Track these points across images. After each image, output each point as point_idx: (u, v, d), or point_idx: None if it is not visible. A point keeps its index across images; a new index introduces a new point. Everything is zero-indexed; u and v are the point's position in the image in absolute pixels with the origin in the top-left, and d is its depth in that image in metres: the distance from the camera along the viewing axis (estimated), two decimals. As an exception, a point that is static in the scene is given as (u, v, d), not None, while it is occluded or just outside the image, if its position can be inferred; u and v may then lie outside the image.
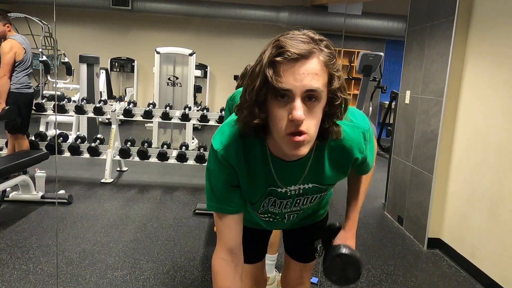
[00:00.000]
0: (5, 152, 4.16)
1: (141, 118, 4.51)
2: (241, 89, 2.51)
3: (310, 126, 0.86)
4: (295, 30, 0.89)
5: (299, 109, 0.83)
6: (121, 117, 4.49)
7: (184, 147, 4.40)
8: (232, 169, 1.02)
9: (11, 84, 3.68)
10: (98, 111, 4.43)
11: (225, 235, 1.08)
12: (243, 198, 1.10)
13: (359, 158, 1.07)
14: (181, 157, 4.30)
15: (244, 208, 1.12)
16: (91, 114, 4.50)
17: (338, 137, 0.97)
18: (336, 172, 1.09)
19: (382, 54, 6.35)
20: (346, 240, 1.30)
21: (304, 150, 0.89)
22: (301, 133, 0.85)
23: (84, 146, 4.35)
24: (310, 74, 0.83)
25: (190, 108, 4.75)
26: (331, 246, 1.31)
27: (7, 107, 3.58)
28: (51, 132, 6.09)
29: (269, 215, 1.23)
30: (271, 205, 1.16)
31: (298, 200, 1.16)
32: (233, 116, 1.06)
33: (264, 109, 0.89)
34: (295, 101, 0.83)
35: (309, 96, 0.84)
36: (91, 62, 5.84)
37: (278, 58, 0.83)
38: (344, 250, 1.27)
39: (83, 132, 5.62)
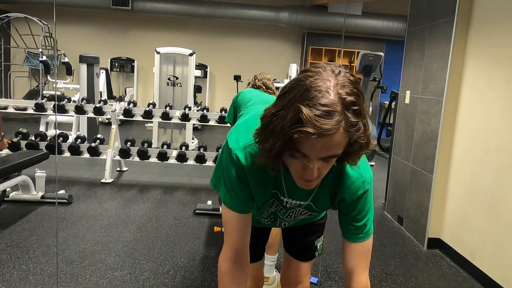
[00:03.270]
0: (5, 152, 4.16)
1: (141, 118, 4.51)
2: (248, 89, 2.54)
3: (322, 173, 0.89)
4: (324, 73, 0.80)
5: (313, 173, 0.85)
6: (121, 117, 4.49)
7: (184, 147, 4.40)
8: (243, 170, 1.03)
9: None
10: (98, 111, 4.43)
11: (233, 235, 1.08)
12: (252, 200, 1.10)
13: (345, 199, 1.06)
14: (181, 157, 4.30)
15: (253, 208, 1.12)
16: (91, 114, 4.50)
17: (355, 165, 0.95)
18: (328, 199, 1.10)
19: (382, 54, 6.34)
20: None
21: (313, 186, 0.93)
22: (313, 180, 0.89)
23: (84, 146, 4.35)
24: (329, 147, 0.80)
25: (190, 108, 4.75)
26: None
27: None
28: (51, 132, 6.09)
29: (268, 218, 1.25)
30: (270, 206, 1.17)
31: (291, 212, 1.18)
32: (252, 117, 1.07)
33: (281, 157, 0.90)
34: (310, 164, 0.84)
35: (325, 159, 0.85)
36: (91, 62, 5.84)
37: (296, 136, 0.77)
38: None
39: (83, 132, 5.62)
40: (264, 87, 2.51)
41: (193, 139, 6.42)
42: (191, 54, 6.02)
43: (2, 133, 3.17)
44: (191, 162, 4.35)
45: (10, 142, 3.17)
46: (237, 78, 8.09)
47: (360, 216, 1.08)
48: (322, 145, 0.79)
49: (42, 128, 6.21)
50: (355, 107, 0.77)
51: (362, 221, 1.09)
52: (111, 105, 4.57)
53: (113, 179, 4.43)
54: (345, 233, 1.12)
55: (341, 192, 1.05)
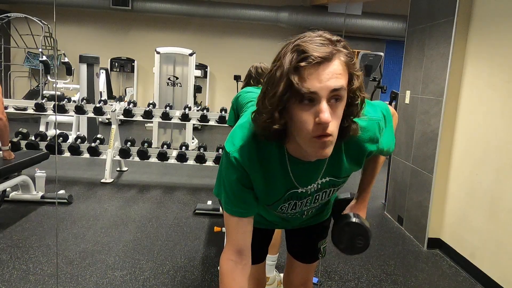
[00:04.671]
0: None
1: (141, 118, 4.51)
2: (246, 88, 2.55)
3: (334, 127, 0.87)
4: (309, 32, 0.89)
5: (326, 111, 0.83)
6: (121, 117, 4.49)
7: (184, 147, 4.40)
8: (244, 171, 1.02)
9: None
10: (98, 111, 4.43)
11: (235, 236, 1.08)
12: (257, 201, 1.09)
13: (373, 150, 1.08)
14: (181, 157, 4.30)
15: (256, 209, 1.11)
16: (91, 114, 4.50)
17: (355, 134, 0.98)
18: (352, 164, 1.10)
19: (382, 54, 6.35)
20: (357, 210, 1.32)
21: (329, 151, 0.90)
22: (327, 134, 0.86)
23: (84, 146, 4.35)
24: (334, 75, 0.84)
25: (190, 108, 4.75)
26: (341, 215, 1.30)
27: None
28: (51, 132, 6.09)
29: (287, 214, 1.23)
30: (291, 208, 1.16)
31: (317, 196, 1.16)
32: (245, 119, 1.07)
33: (284, 114, 0.89)
34: (321, 104, 0.83)
35: (334, 97, 0.85)
36: (91, 62, 5.84)
37: (303, 63, 0.82)
38: (354, 219, 1.26)
39: (83, 132, 5.62)
40: (258, 78, 2.49)
41: (193, 139, 6.42)
42: (191, 54, 6.02)
43: (9, 143, 3.20)
44: (191, 162, 4.35)
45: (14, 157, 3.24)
46: (237, 78, 8.09)
47: (389, 143, 1.18)
48: (328, 74, 0.83)
49: (42, 128, 6.21)
50: (342, 43, 0.89)
51: (389, 143, 1.18)
52: (111, 105, 4.57)
53: (113, 179, 4.43)
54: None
55: (364, 148, 1.06)
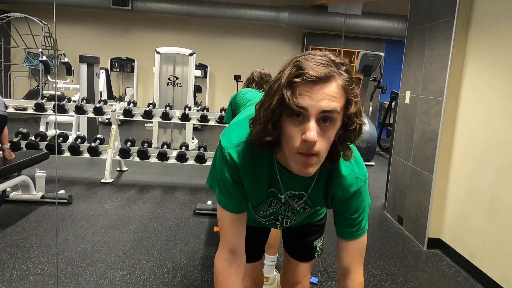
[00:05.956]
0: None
1: (141, 118, 4.51)
2: (245, 89, 2.55)
3: (322, 148, 0.87)
4: (316, 51, 0.90)
5: (312, 130, 0.83)
6: (121, 117, 4.49)
7: (184, 147, 4.40)
8: (236, 168, 1.03)
9: None
10: (98, 111, 4.43)
11: (228, 234, 1.09)
12: (246, 199, 1.10)
13: (338, 196, 1.05)
14: (181, 157, 4.30)
15: (247, 208, 1.13)
16: (91, 114, 4.50)
17: (349, 159, 0.98)
18: (321, 194, 1.09)
19: (382, 54, 6.35)
20: None
21: (312, 170, 0.90)
22: (312, 154, 0.86)
23: (84, 146, 4.35)
24: (328, 96, 0.83)
25: (190, 108, 4.75)
26: None
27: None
28: (51, 132, 6.09)
29: (267, 219, 1.24)
30: (268, 206, 1.17)
31: (291, 207, 1.17)
32: (244, 116, 1.08)
33: (277, 126, 0.90)
34: (309, 122, 0.83)
35: (324, 118, 0.84)
36: (91, 62, 5.84)
37: (297, 79, 0.83)
38: None
39: (83, 132, 5.62)
40: (261, 83, 2.51)
41: (193, 139, 6.42)
42: (191, 54, 6.02)
43: (9, 143, 3.20)
44: (191, 162, 4.35)
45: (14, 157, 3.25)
46: (237, 78, 8.09)
47: (355, 215, 1.08)
48: (321, 94, 0.83)
49: (42, 128, 6.21)
50: (345, 67, 0.87)
51: (357, 221, 1.09)
52: (111, 105, 4.57)
53: (113, 179, 4.43)
54: (340, 233, 1.11)
55: (333, 187, 1.04)
